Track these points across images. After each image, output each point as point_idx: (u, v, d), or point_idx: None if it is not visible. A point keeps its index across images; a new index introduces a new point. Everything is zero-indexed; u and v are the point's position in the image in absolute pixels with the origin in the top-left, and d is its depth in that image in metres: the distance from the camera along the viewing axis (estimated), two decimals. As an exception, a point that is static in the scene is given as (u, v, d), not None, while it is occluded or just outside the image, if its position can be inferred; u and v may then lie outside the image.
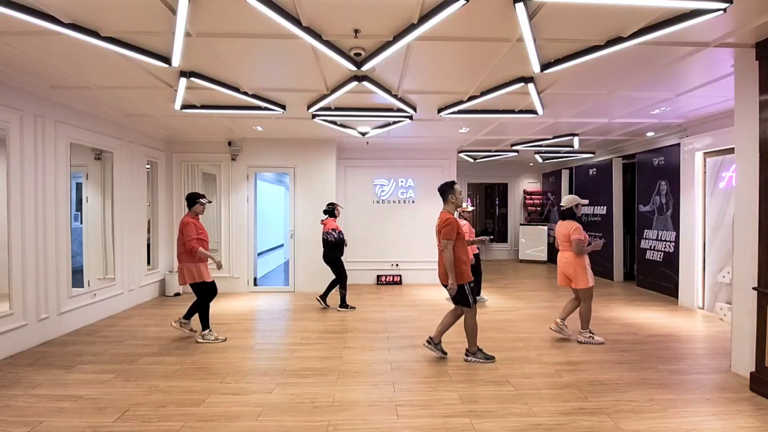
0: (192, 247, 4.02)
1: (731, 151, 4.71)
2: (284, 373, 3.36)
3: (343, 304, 5.51)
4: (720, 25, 2.74)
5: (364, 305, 5.80)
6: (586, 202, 4.26)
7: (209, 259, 4.16)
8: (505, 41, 2.99)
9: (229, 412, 2.72)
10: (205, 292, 4.18)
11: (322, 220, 5.56)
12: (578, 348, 3.94)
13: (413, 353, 3.84)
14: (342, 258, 5.52)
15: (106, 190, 5.44)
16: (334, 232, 5.38)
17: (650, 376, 3.29)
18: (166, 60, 3.21)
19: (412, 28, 2.69)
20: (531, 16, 2.57)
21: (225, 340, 4.18)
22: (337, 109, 4.86)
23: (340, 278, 5.50)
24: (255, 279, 6.99)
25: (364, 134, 6.08)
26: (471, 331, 3.61)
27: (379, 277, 7.48)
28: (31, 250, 4.01)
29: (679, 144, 5.82)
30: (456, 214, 4.05)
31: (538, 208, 10.90)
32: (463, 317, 3.65)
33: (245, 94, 4.18)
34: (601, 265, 8.05)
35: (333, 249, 5.42)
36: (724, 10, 2.37)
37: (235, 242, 6.77)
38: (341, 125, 5.70)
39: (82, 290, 4.83)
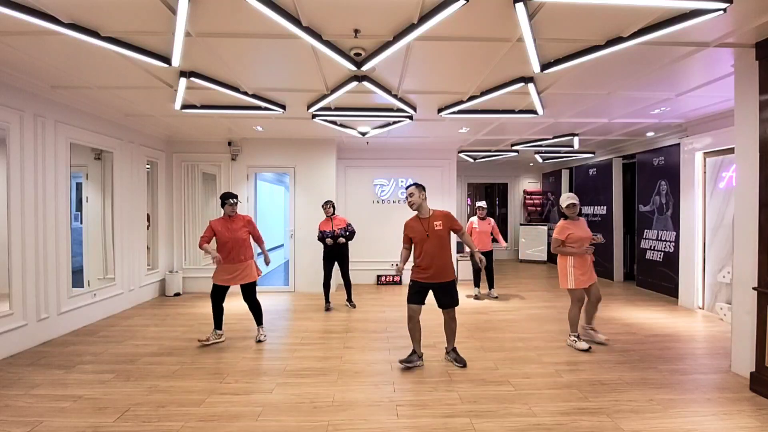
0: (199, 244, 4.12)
1: (731, 151, 4.71)
2: (284, 373, 3.36)
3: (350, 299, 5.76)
4: (720, 25, 2.74)
5: (364, 305, 5.81)
6: (564, 202, 4.04)
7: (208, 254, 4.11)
8: (505, 41, 2.99)
9: (229, 412, 2.72)
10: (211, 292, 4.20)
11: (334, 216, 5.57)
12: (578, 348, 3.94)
13: (413, 353, 3.84)
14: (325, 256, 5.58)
15: (106, 190, 5.44)
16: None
17: (650, 376, 3.29)
18: (166, 60, 3.21)
19: (412, 28, 2.69)
20: (531, 16, 2.57)
21: (209, 341, 4.10)
22: (337, 109, 4.86)
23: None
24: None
25: (364, 134, 6.08)
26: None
27: (379, 277, 7.47)
28: (31, 250, 4.01)
29: (679, 144, 5.81)
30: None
31: (538, 208, 10.90)
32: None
33: (245, 94, 4.18)
34: (601, 265, 8.05)
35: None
36: (724, 10, 2.37)
37: (235, 242, 6.76)
38: (341, 125, 5.69)
39: (82, 290, 4.83)
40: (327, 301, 5.57)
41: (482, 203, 6.26)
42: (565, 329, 4.51)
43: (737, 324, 3.29)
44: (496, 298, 6.21)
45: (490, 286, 6.37)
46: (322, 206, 5.57)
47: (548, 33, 2.84)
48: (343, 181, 7.60)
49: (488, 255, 6.15)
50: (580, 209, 4.07)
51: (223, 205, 4.15)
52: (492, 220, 6.33)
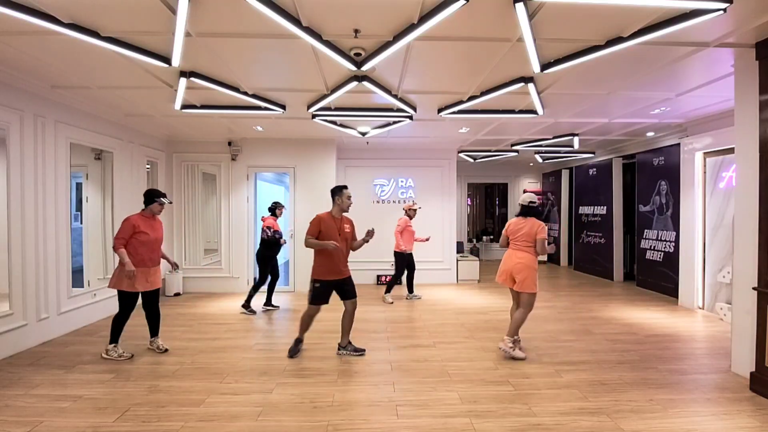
0: (113, 246, 3.54)
1: (731, 151, 4.71)
2: (284, 373, 3.36)
3: (247, 305, 5.38)
4: (720, 25, 2.74)
5: (364, 305, 5.80)
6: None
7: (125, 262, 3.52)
8: (505, 41, 2.99)
9: (229, 412, 2.72)
10: (126, 302, 3.63)
11: (262, 217, 5.45)
12: (578, 348, 3.94)
13: (413, 353, 3.84)
14: (275, 258, 5.49)
15: (106, 190, 5.43)
16: (268, 230, 5.31)
17: (650, 376, 3.29)
18: (166, 60, 3.21)
19: (412, 28, 2.69)
20: (531, 16, 2.57)
21: (131, 357, 3.68)
22: (337, 109, 4.86)
23: (262, 280, 5.46)
24: (255, 279, 6.97)
25: (364, 134, 6.08)
26: (303, 323, 3.81)
27: (378, 277, 7.48)
28: (31, 250, 4.01)
29: (679, 144, 5.81)
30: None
31: (539, 208, 10.90)
32: (347, 311, 3.78)
33: (245, 94, 4.18)
34: (601, 265, 8.06)
35: (266, 247, 5.37)
36: (724, 10, 2.37)
37: (235, 242, 6.77)
38: (341, 125, 5.70)
39: (82, 290, 4.83)
40: (250, 304, 5.43)
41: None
42: (566, 329, 4.52)
43: (737, 324, 3.29)
44: (419, 297, 6.27)
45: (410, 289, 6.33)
46: (278, 205, 5.48)
47: (548, 33, 2.84)
48: (343, 181, 7.58)
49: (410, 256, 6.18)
50: (528, 209, 3.98)
51: (152, 202, 3.70)
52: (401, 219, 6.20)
